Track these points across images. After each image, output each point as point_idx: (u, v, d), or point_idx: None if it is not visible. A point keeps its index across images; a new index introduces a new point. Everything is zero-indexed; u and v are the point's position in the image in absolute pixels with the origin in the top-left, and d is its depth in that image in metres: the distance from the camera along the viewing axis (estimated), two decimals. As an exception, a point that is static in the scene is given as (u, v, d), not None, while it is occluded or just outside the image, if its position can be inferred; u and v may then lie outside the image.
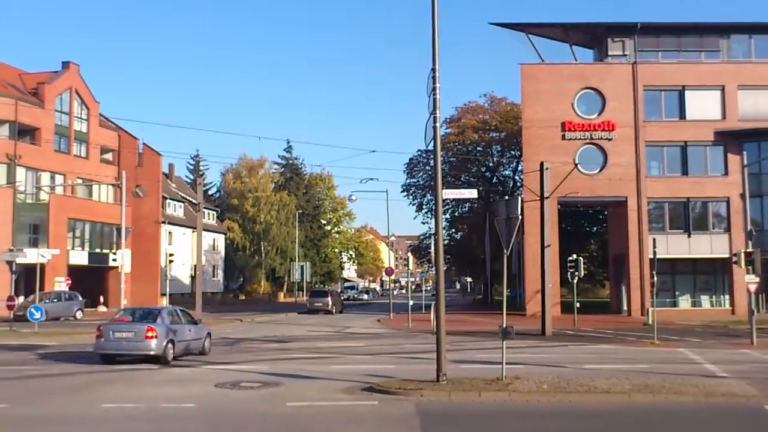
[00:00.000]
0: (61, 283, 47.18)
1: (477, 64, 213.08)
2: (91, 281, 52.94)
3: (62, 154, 51.81)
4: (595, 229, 64.73)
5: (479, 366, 17.04)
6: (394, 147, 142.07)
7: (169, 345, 18.88)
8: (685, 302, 43.39)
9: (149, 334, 18.49)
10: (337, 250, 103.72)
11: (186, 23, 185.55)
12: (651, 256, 29.23)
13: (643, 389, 13.46)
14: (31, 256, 35.90)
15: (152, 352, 18.52)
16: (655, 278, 27.43)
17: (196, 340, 20.79)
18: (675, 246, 41.50)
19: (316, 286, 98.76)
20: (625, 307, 43.86)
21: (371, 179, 45.62)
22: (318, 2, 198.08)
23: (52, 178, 50.72)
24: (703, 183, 42.30)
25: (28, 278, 41.19)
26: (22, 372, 17.03)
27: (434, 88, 14.56)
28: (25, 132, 49.02)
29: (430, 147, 15.34)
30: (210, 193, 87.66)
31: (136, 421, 11.16)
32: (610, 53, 44.21)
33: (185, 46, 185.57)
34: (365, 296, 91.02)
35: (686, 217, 43.04)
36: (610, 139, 42.63)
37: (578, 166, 39.16)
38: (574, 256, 34.66)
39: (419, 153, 65.60)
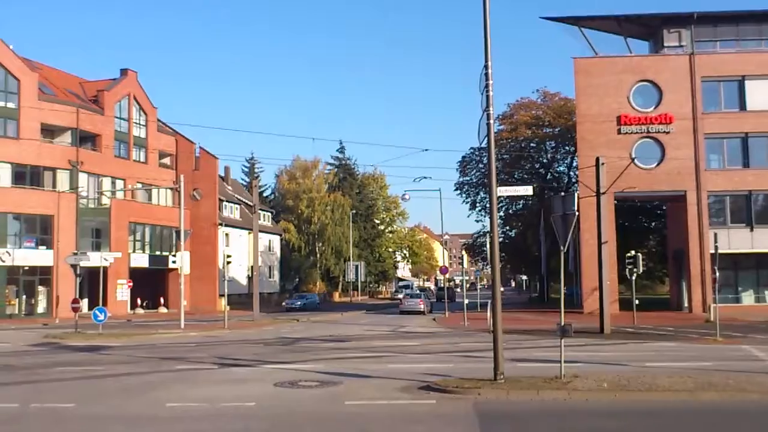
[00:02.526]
0: (123, 286, 48.43)
1: (529, 60, 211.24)
2: (151, 283, 54.21)
3: (122, 160, 53.13)
4: (653, 224, 63.52)
5: (537, 364, 16.90)
6: (447, 145, 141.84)
7: (427, 307, 45.30)
8: (748, 298, 42.29)
9: (421, 302, 47.24)
10: (390, 250, 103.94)
11: (239, 28, 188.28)
12: (712, 251, 28.58)
13: (706, 387, 13.16)
14: (95, 259, 36.89)
15: (422, 310, 45.75)
16: (717, 274, 26.81)
17: (428, 305, 47.11)
18: (737, 240, 40.48)
19: (371, 286, 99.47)
20: (685, 304, 42.97)
21: (424, 178, 45.57)
22: (368, 3, 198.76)
23: (113, 183, 52.09)
24: (765, 175, 41.17)
25: (91, 281, 42.36)
26: (87, 372, 17.51)
27: (487, 85, 14.48)
28: (86, 139, 50.45)
29: (484, 144, 15.25)
30: (265, 194, 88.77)
31: (200, 420, 11.38)
32: (666, 44, 43.35)
33: (239, 50, 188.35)
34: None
35: (748, 210, 41.92)
36: (667, 133, 41.82)
37: (635, 160, 38.54)
38: (633, 252, 34.06)
39: (472, 151, 65.43)
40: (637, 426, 10.92)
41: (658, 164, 41.76)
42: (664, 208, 52.80)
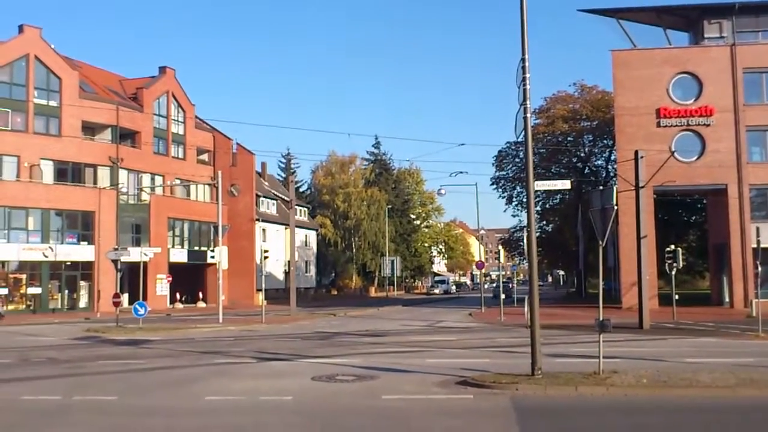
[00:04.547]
0: (162, 280, 49.11)
1: (566, 53, 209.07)
2: (190, 278, 54.88)
3: (161, 156, 53.83)
4: (693, 218, 62.57)
5: (575, 360, 16.75)
6: (483, 140, 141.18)
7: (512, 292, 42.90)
8: (792, 293, 41.41)
9: (511, 285, 47.58)
10: (426, 245, 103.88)
11: (275, 25, 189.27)
12: (754, 246, 28.09)
13: (748, 384, 12.94)
14: (135, 254, 37.49)
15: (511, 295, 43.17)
16: (759, 268, 26.32)
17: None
18: (780, 235, 39.65)
19: (407, 281, 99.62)
20: (726, 299, 42.25)
21: (460, 173, 45.43)
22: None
23: (152, 180, 52.82)
24: (809, 168, 40.28)
25: (131, 276, 43.01)
26: (128, 366, 17.77)
27: (524, 79, 14.37)
28: (126, 136, 51.21)
29: (521, 138, 15.16)
30: (301, 190, 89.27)
31: (239, 413, 11.51)
32: (706, 36, 42.62)
33: (275, 47, 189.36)
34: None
35: (792, 203, 41.11)
36: (708, 125, 41.14)
37: (675, 153, 37.96)
38: (672, 246, 33.58)
39: (508, 145, 65.01)
40: (678, 422, 10.78)
41: (698, 157, 41.11)
42: (705, 201, 51.99)
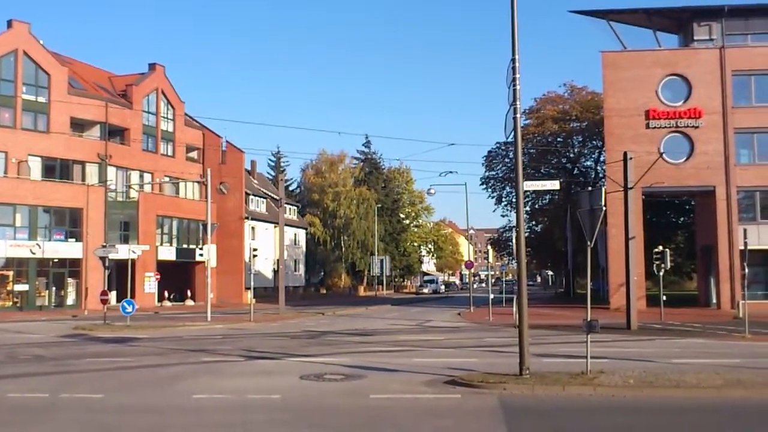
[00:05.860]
0: (150, 278, 48.94)
1: (556, 54, 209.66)
2: (178, 276, 54.73)
3: (150, 153, 53.63)
4: (681, 220, 62.87)
5: (562, 360, 16.81)
6: (473, 140, 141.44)
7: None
8: (778, 295, 41.64)
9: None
10: (416, 244, 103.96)
11: (266, 22, 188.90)
12: (741, 247, 28.20)
13: (735, 384, 13.01)
14: (123, 252, 37.31)
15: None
16: (746, 270, 26.45)
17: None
18: (767, 236, 39.90)
19: (396, 280, 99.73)
20: (714, 300, 42.45)
21: (450, 172, 45.48)
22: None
23: (141, 177, 52.59)
24: (797, 170, 40.48)
25: (119, 274, 42.84)
26: (115, 363, 17.71)
27: (514, 79, 14.38)
28: (114, 132, 51.00)
29: (510, 139, 15.18)
30: (291, 188, 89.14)
31: (226, 411, 11.49)
32: (695, 38, 42.80)
33: (266, 44, 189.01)
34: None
35: (779, 206, 41.32)
36: (696, 127, 41.30)
37: (663, 155, 38.11)
38: (660, 247, 33.70)
39: (498, 145, 65.14)
40: (664, 422, 10.83)
41: (686, 159, 41.27)
42: (693, 203, 52.22)
